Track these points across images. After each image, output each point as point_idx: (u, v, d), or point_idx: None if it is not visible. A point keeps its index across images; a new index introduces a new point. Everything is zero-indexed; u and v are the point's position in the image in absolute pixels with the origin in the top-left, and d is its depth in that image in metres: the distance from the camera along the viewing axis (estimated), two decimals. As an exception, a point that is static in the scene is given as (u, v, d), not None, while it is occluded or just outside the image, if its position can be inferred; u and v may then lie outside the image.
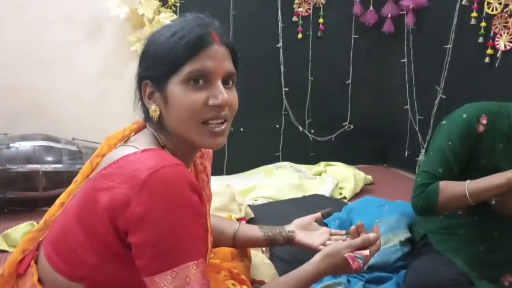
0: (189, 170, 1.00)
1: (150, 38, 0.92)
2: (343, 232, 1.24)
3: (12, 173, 1.95)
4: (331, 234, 1.22)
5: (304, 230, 1.23)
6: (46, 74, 2.39)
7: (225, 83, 0.90)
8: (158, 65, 0.88)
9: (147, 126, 0.95)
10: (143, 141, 0.92)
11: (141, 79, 0.92)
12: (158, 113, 0.90)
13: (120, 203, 0.80)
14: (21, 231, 1.77)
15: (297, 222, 1.25)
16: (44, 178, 2.00)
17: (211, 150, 1.16)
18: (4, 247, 1.75)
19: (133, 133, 0.98)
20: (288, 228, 1.23)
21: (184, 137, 0.90)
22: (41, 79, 2.39)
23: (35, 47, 2.36)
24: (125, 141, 0.95)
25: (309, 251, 1.20)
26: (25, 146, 2.03)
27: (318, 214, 1.26)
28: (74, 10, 2.38)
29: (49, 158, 2.04)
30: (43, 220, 0.99)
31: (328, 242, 1.19)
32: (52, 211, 0.97)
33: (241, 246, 1.23)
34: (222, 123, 0.90)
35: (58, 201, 0.98)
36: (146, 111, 0.93)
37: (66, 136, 2.22)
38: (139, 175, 0.79)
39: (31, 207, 2.05)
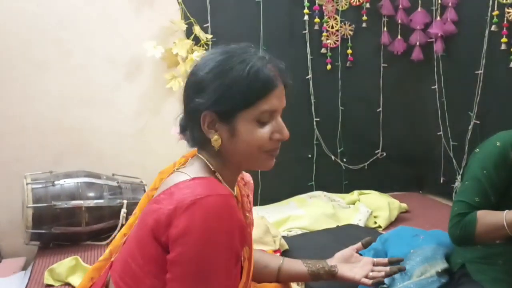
0: (234, 192, 1.05)
1: (210, 67, 0.94)
2: (386, 260, 1.24)
3: (57, 209, 2.04)
4: (373, 264, 1.23)
5: (346, 263, 1.24)
6: (88, 113, 2.51)
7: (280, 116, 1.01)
8: (227, 101, 0.92)
9: (198, 153, 1.01)
10: (195, 168, 0.98)
11: (200, 109, 0.94)
12: (219, 142, 0.95)
13: (163, 222, 0.86)
14: (66, 265, 1.84)
15: (339, 255, 1.26)
16: (86, 214, 2.08)
17: (252, 181, 1.23)
18: (50, 281, 1.81)
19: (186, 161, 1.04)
20: (330, 262, 1.24)
21: (243, 163, 0.99)
22: (84, 119, 2.51)
23: (79, 89, 2.49)
24: (178, 168, 1.01)
25: (350, 284, 1.21)
26: (69, 183, 2.12)
27: (359, 245, 1.27)
28: (115, 53, 2.51)
29: (91, 194, 2.12)
30: (108, 250, 1.07)
31: (371, 274, 1.20)
32: (116, 241, 1.05)
33: (285, 281, 1.25)
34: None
35: (120, 233, 1.06)
36: (199, 137, 0.98)
37: (107, 172, 2.32)
38: (185, 200, 0.85)
39: (74, 242, 2.13)
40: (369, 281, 1.18)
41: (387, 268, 1.21)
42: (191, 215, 0.83)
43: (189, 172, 0.95)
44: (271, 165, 1.01)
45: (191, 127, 0.99)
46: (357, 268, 1.22)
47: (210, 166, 0.98)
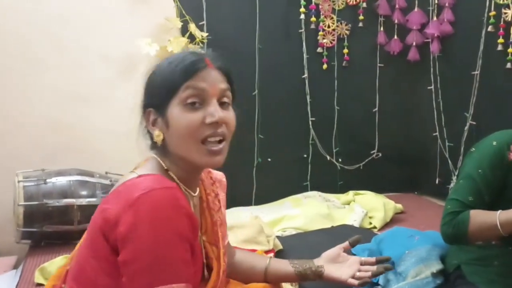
0: (196, 193, 1.04)
1: (151, 70, 1.00)
2: (374, 259, 1.22)
3: (49, 207, 2.02)
4: (361, 264, 1.21)
5: (333, 262, 1.22)
6: (82, 111, 2.49)
7: (221, 103, 0.96)
8: (158, 92, 0.95)
9: (153, 153, 1.00)
10: (146, 167, 0.97)
11: (144, 107, 0.99)
12: (161, 137, 0.95)
13: (112, 221, 0.84)
14: (57, 264, 1.81)
15: (326, 255, 1.24)
16: (78, 212, 2.06)
17: (224, 180, 1.21)
18: (41, 280, 1.79)
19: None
20: (317, 262, 1.22)
21: (185, 157, 0.95)
22: (77, 116, 2.49)
23: (73, 86, 2.47)
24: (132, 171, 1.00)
25: (337, 284, 1.20)
26: (61, 181, 2.10)
27: (346, 244, 1.25)
28: (109, 51, 2.49)
29: (84, 192, 2.10)
30: (70, 256, 1.05)
31: (358, 274, 1.19)
32: (77, 247, 1.03)
33: (273, 281, 1.23)
34: (220, 142, 0.95)
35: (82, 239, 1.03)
36: (151, 138, 0.99)
37: (100, 170, 2.30)
38: (131, 196, 0.84)
39: (66, 240, 2.10)
40: (356, 282, 1.17)
41: (374, 268, 1.19)
42: (137, 210, 0.82)
43: (139, 172, 0.94)
44: (214, 161, 0.95)
45: (146, 129, 1.01)
46: (344, 267, 1.20)
47: (163, 165, 0.97)
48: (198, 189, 1.06)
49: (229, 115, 0.97)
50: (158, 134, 0.95)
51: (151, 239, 0.82)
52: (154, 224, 0.82)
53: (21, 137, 2.41)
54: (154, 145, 1.00)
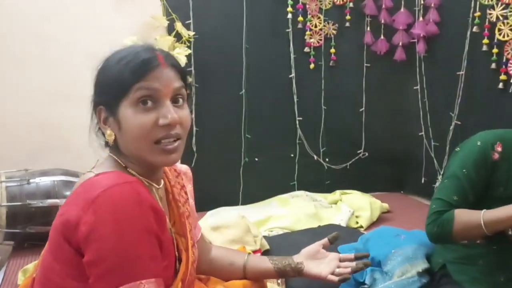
0: (160, 185, 1.01)
1: (101, 64, 0.95)
2: (352, 256, 1.23)
3: (32, 208, 1.99)
4: (340, 260, 1.21)
5: (312, 259, 1.22)
6: (66, 110, 2.46)
7: (175, 101, 0.93)
8: (108, 90, 0.91)
9: (109, 151, 0.97)
10: (103, 166, 0.94)
11: (95, 105, 0.95)
12: (113, 137, 0.93)
13: (71, 224, 0.82)
14: (40, 265, 1.79)
15: (305, 251, 1.24)
16: (62, 213, 2.03)
17: (189, 172, 1.19)
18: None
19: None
20: (297, 259, 1.22)
21: (139, 157, 0.92)
22: (61, 115, 2.46)
23: (57, 85, 2.44)
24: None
25: (320, 281, 1.19)
26: (45, 181, 2.07)
27: (325, 240, 1.26)
28: (94, 48, 2.44)
29: (68, 193, 2.08)
30: (35, 265, 1.03)
31: (337, 270, 1.19)
32: (41, 256, 0.99)
33: (252, 278, 1.23)
34: (174, 141, 0.92)
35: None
36: (104, 136, 0.96)
37: (85, 171, 2.26)
38: (90, 195, 0.82)
39: (50, 241, 2.07)
40: (336, 278, 1.16)
41: (353, 264, 1.19)
42: (97, 209, 0.80)
43: (96, 171, 0.91)
44: (169, 160, 0.92)
45: (98, 127, 0.98)
46: (324, 264, 1.20)
47: (120, 162, 0.95)
48: (162, 181, 1.03)
49: (184, 114, 0.94)
50: (109, 134, 0.92)
51: (115, 237, 0.79)
52: (116, 222, 0.80)
53: (3, 137, 2.38)
54: (107, 144, 0.96)
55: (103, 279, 0.80)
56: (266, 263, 1.22)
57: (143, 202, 0.83)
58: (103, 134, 0.96)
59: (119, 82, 0.89)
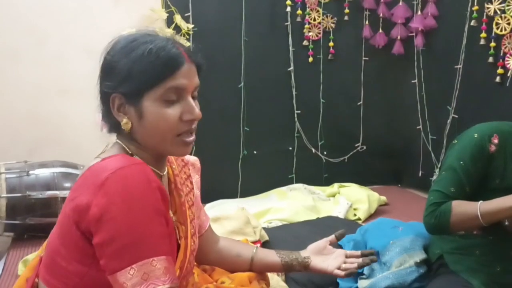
0: (164, 172, 1.03)
1: (116, 50, 0.93)
2: (359, 253, 1.24)
3: (32, 199, 2.00)
4: (346, 256, 1.23)
5: (319, 254, 1.24)
6: (64, 104, 2.46)
7: (193, 97, 0.96)
8: (133, 81, 0.90)
9: (116, 138, 0.98)
10: (110, 152, 0.95)
11: (109, 92, 0.93)
12: (129, 125, 0.93)
13: (82, 208, 0.83)
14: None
15: (312, 247, 1.26)
16: (62, 204, 2.02)
17: (198, 163, 1.22)
18: (24, 272, 1.77)
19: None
20: (304, 253, 1.24)
21: (157, 148, 0.95)
22: (60, 109, 2.46)
23: (55, 79, 2.44)
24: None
25: (325, 275, 1.21)
26: (44, 173, 2.08)
27: (332, 237, 1.27)
28: (92, 42, 2.44)
29: (67, 184, 2.08)
30: (43, 246, 1.05)
31: (344, 265, 1.20)
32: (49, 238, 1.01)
33: (258, 271, 1.24)
34: (191, 134, 0.97)
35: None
36: (113, 123, 0.96)
37: (83, 163, 2.27)
38: (99, 179, 0.83)
39: (49, 233, 2.07)
40: (342, 273, 1.19)
41: (360, 260, 1.21)
42: (107, 191, 0.81)
43: (103, 157, 0.92)
44: (187, 151, 0.97)
45: (105, 112, 0.97)
46: (330, 259, 1.22)
47: (127, 150, 0.95)
48: (166, 169, 1.05)
49: (199, 108, 0.97)
50: (126, 122, 0.92)
51: (126, 217, 0.81)
52: (127, 202, 0.81)
53: (2, 130, 2.37)
54: (115, 129, 0.97)
55: (116, 257, 0.81)
56: (273, 256, 1.24)
57: (151, 182, 0.85)
58: (112, 119, 0.95)
59: (148, 76, 0.89)
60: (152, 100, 0.90)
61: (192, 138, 0.96)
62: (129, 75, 0.90)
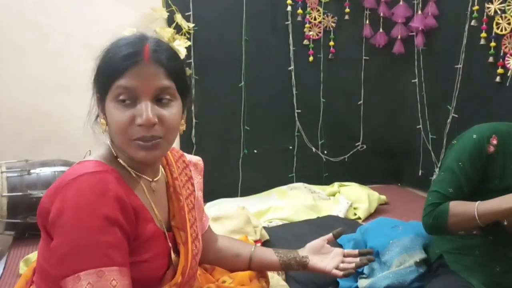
0: (156, 178, 1.00)
1: (99, 54, 0.94)
2: (356, 252, 1.25)
3: (33, 198, 2.00)
4: (344, 255, 1.23)
5: (317, 254, 1.24)
6: (65, 100, 2.46)
7: (158, 100, 0.89)
8: (96, 80, 0.93)
9: (108, 140, 0.98)
10: (95, 154, 0.96)
11: (94, 93, 0.96)
12: (105, 127, 0.93)
13: (44, 210, 0.85)
14: (42, 255, 1.80)
15: (310, 246, 1.26)
16: (63, 203, 2.04)
17: (201, 163, 1.19)
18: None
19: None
20: (302, 253, 1.24)
21: (123, 150, 0.92)
22: (61, 106, 2.46)
23: (56, 75, 2.44)
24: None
25: (324, 275, 1.21)
26: (45, 171, 2.08)
27: (330, 235, 1.27)
28: (94, 39, 2.45)
29: (69, 183, 2.08)
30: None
31: (341, 265, 1.21)
32: None
33: (256, 269, 1.24)
34: (148, 140, 0.88)
35: None
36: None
37: (84, 161, 2.28)
38: (62, 183, 0.84)
39: (50, 232, 2.09)
40: (340, 273, 1.19)
41: (357, 259, 1.21)
42: (64, 196, 0.82)
43: (87, 158, 0.93)
44: (148, 156, 0.89)
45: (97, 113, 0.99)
46: (328, 259, 1.22)
47: (113, 152, 0.95)
48: (160, 174, 1.03)
49: (167, 113, 0.89)
50: (103, 123, 0.93)
51: (73, 224, 0.81)
52: (76, 209, 0.81)
53: (1, 127, 2.38)
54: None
55: (62, 264, 0.81)
56: (271, 255, 1.24)
57: (108, 192, 0.83)
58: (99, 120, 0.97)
59: (102, 76, 0.90)
60: (109, 100, 0.89)
61: (152, 143, 0.88)
62: (96, 75, 0.93)
